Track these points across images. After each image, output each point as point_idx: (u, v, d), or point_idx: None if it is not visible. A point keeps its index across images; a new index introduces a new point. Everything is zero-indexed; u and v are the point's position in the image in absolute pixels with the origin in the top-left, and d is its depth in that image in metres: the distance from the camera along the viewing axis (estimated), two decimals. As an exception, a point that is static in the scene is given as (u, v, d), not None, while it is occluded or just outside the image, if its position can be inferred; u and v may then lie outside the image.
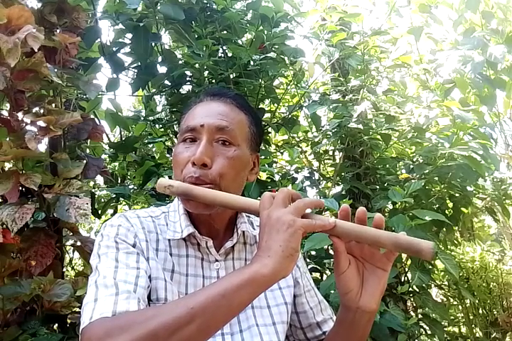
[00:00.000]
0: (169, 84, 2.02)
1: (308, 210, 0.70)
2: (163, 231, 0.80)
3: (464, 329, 2.69)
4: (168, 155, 2.20)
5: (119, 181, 2.17)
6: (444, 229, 2.07)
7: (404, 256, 1.88)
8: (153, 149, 2.46)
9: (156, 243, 0.78)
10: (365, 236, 0.66)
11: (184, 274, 0.77)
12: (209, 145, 0.77)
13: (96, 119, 1.96)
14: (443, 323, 2.09)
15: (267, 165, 1.85)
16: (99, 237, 0.75)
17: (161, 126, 2.11)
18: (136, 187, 2.03)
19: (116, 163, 2.27)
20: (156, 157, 2.31)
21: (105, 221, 0.81)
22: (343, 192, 2.19)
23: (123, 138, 2.28)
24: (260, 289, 0.62)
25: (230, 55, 1.97)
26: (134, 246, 0.74)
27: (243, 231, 0.84)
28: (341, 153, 2.25)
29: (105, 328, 0.58)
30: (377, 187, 2.10)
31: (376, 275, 0.72)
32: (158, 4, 1.86)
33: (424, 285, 1.80)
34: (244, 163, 0.81)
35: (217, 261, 0.80)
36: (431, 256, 0.62)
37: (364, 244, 0.70)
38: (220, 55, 2.00)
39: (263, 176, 2.20)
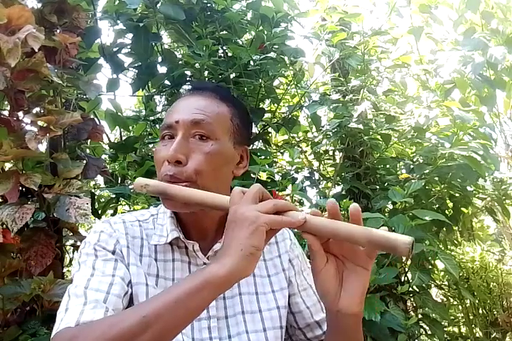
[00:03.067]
0: (169, 84, 2.02)
1: None
2: (149, 236, 0.78)
3: (463, 329, 2.69)
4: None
5: (119, 181, 2.17)
6: (444, 229, 2.06)
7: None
8: (153, 149, 2.45)
9: (139, 248, 0.76)
10: (338, 232, 0.60)
11: (170, 279, 0.76)
12: (184, 142, 0.74)
13: (96, 119, 1.96)
14: (443, 323, 2.09)
15: (267, 165, 1.84)
16: (82, 244, 0.75)
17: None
18: (136, 187, 2.02)
19: (117, 163, 2.27)
20: (156, 157, 2.30)
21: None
22: (343, 192, 2.19)
23: (123, 138, 2.28)
24: (217, 291, 0.59)
25: (230, 55, 1.97)
26: (113, 252, 0.73)
27: None
28: (341, 153, 2.25)
29: (65, 339, 0.58)
30: (377, 187, 2.10)
31: (357, 274, 0.65)
32: (159, 4, 1.86)
33: (424, 285, 1.80)
34: (226, 158, 0.77)
35: (204, 264, 0.77)
36: (407, 253, 0.57)
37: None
38: (220, 55, 2.00)
39: (263, 176, 2.19)
